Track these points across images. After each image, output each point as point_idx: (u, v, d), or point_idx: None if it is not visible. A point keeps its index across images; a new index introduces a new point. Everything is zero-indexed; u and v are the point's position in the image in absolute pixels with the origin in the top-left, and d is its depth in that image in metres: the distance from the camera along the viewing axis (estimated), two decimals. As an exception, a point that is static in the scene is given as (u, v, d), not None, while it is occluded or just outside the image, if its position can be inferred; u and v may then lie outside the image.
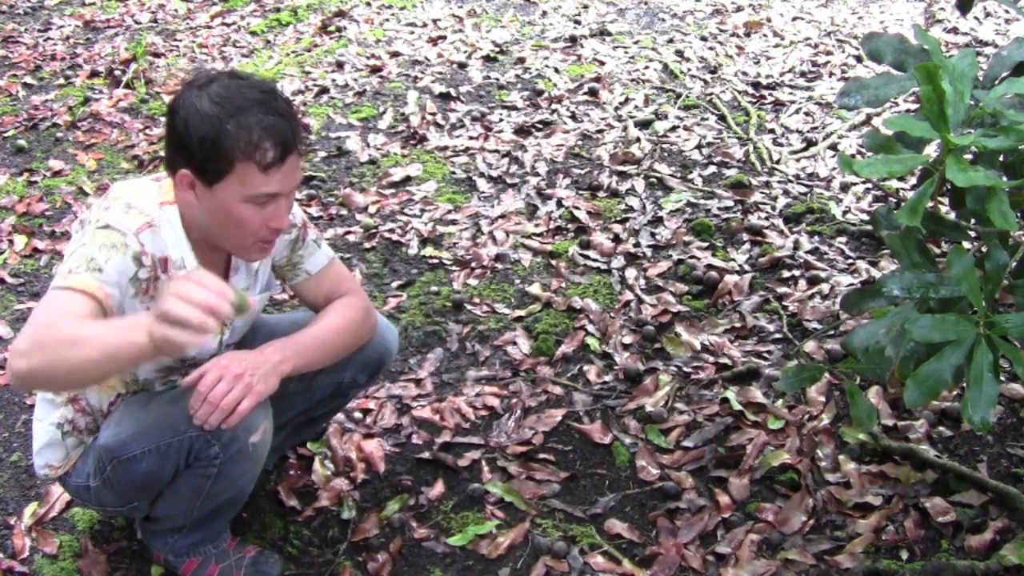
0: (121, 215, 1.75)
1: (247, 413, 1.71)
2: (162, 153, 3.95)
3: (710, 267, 3.11)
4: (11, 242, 3.45)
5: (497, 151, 3.91)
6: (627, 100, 4.29)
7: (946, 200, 1.91)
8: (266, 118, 1.68)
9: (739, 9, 5.35)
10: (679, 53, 4.77)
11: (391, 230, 3.42)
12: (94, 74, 4.78)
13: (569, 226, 3.41)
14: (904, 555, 2.10)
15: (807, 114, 4.14)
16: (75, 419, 1.94)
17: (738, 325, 2.85)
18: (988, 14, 5.10)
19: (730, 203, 3.47)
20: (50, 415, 1.95)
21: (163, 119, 4.27)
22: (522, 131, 4.06)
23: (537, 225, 3.41)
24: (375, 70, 4.68)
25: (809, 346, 2.74)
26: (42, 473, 2.00)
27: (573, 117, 4.17)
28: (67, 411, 1.94)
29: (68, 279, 1.65)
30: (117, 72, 4.73)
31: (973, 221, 1.74)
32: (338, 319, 2.01)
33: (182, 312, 1.40)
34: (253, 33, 5.27)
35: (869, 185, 3.54)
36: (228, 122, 1.66)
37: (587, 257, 3.22)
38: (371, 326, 2.10)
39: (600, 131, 4.04)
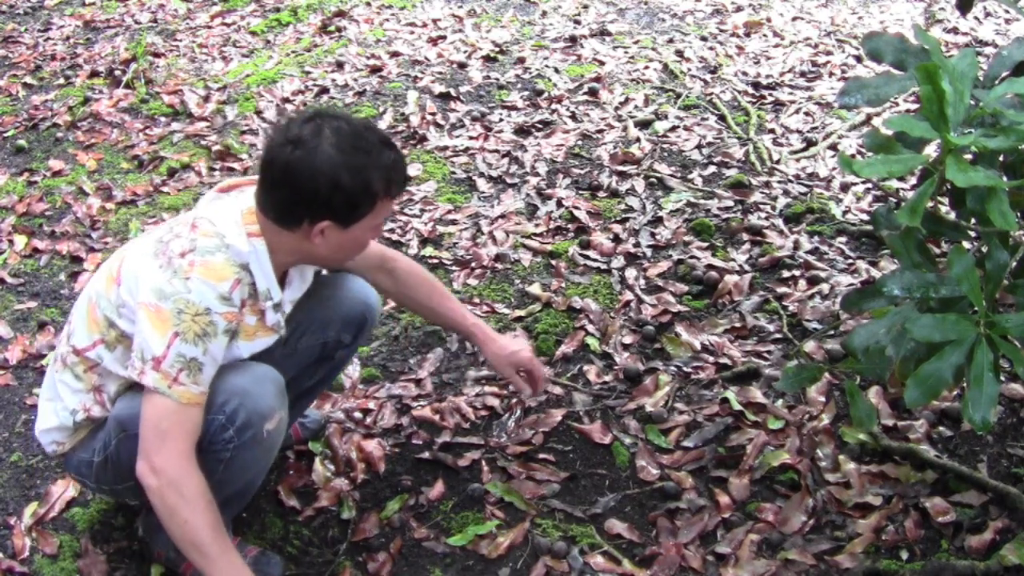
0: (210, 270, 1.79)
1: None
2: (162, 153, 3.96)
3: (710, 267, 3.11)
4: (11, 242, 3.45)
5: (497, 151, 3.91)
6: (627, 100, 4.29)
7: (946, 200, 1.91)
8: (391, 155, 1.83)
9: (739, 9, 5.35)
10: (679, 53, 4.77)
11: (391, 230, 3.42)
12: (94, 74, 4.78)
13: (569, 226, 3.41)
14: (904, 555, 2.10)
15: (807, 114, 4.14)
16: (92, 409, 1.97)
17: (738, 325, 2.85)
18: (988, 14, 5.10)
19: (730, 203, 3.47)
20: (67, 399, 1.98)
21: (163, 119, 4.28)
22: (522, 131, 4.06)
23: (537, 225, 3.41)
24: (375, 70, 4.68)
25: (809, 346, 2.74)
26: (49, 449, 2.04)
27: (573, 117, 4.17)
28: (87, 399, 1.97)
29: (176, 389, 1.77)
30: (117, 72, 4.73)
31: (973, 221, 1.74)
32: (424, 274, 2.31)
33: None
34: (253, 33, 5.27)
35: (869, 185, 3.54)
36: (372, 170, 1.79)
37: (587, 257, 3.22)
38: None
39: (600, 131, 4.04)
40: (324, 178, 1.75)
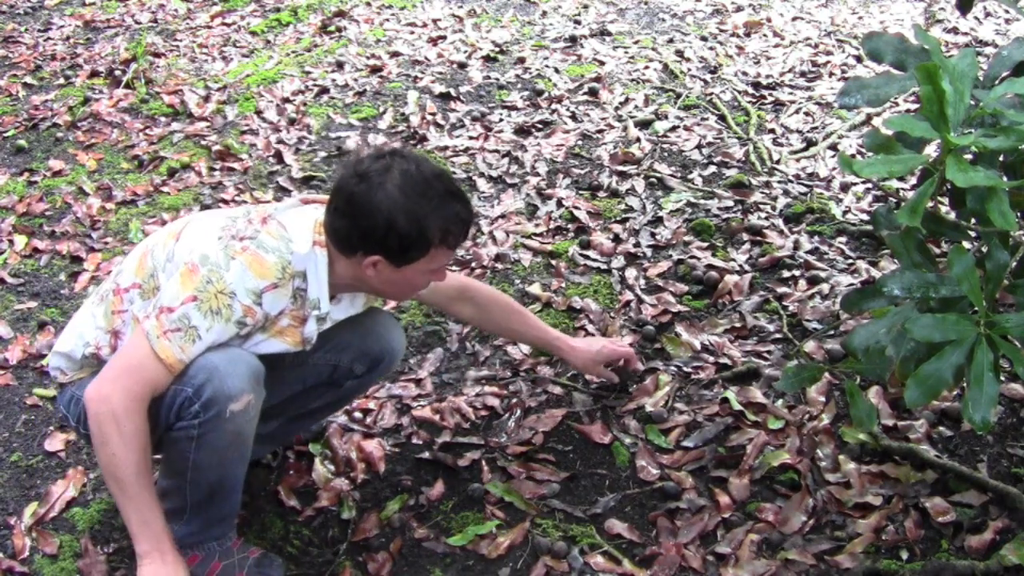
0: (256, 262, 1.83)
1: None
2: (162, 153, 3.96)
3: (710, 267, 3.11)
4: (11, 242, 3.45)
5: (497, 151, 3.91)
6: (627, 100, 4.29)
7: (946, 200, 1.91)
8: (455, 207, 1.87)
9: (739, 9, 5.35)
10: (679, 53, 4.78)
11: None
12: (94, 74, 4.78)
13: (569, 226, 3.41)
14: (904, 555, 2.10)
15: (807, 114, 4.14)
16: (102, 349, 2.00)
17: (738, 325, 2.85)
18: (988, 14, 5.10)
19: (730, 203, 3.47)
20: (87, 330, 2.02)
21: (163, 119, 4.28)
22: (522, 131, 4.06)
23: (537, 225, 3.41)
24: (375, 70, 4.68)
25: (809, 346, 2.74)
26: (52, 373, 2.09)
27: (573, 117, 4.17)
28: (103, 339, 2.00)
29: (161, 342, 1.81)
30: (117, 72, 4.73)
31: (973, 221, 1.74)
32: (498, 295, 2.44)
33: None
34: (253, 33, 5.27)
35: (869, 185, 3.54)
36: (431, 218, 1.83)
37: (587, 257, 3.22)
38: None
39: (600, 131, 4.04)
40: (381, 216, 1.81)
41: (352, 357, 2.22)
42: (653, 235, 3.32)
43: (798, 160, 3.76)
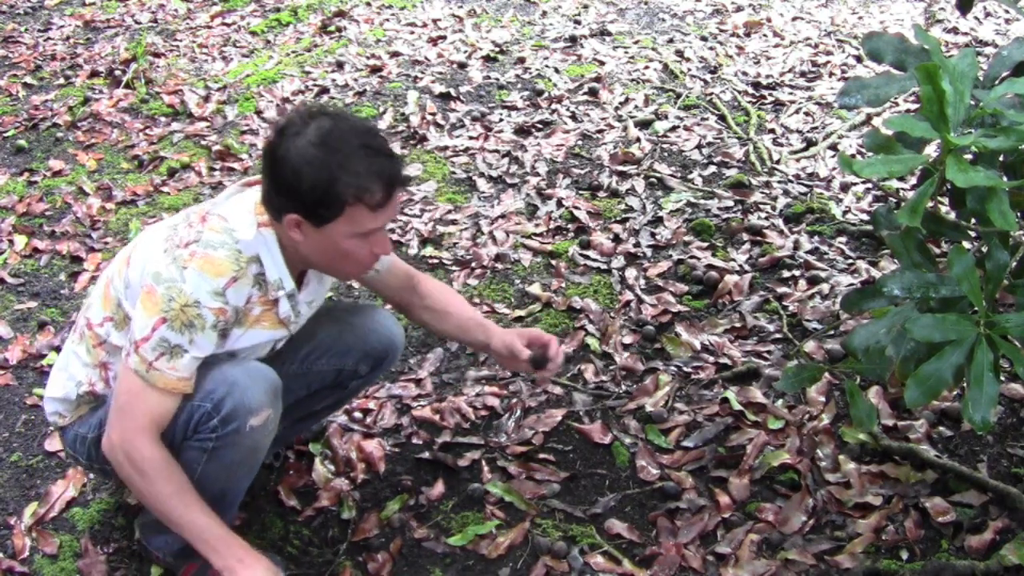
0: (208, 263, 1.79)
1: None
2: (162, 153, 3.96)
3: (710, 267, 3.11)
4: (11, 242, 3.45)
5: (497, 151, 3.91)
6: (627, 100, 4.29)
7: (946, 200, 1.91)
8: (373, 161, 1.75)
9: (739, 9, 5.35)
10: (679, 53, 4.77)
11: (391, 230, 3.42)
12: (94, 74, 4.78)
13: (569, 226, 3.41)
14: (904, 555, 2.10)
15: (807, 114, 4.14)
16: (96, 384, 1.99)
17: (738, 325, 2.85)
18: (988, 14, 5.10)
19: (730, 203, 3.47)
20: (75, 370, 2.00)
21: (163, 119, 4.28)
22: (522, 131, 4.06)
23: (537, 225, 3.41)
24: (375, 70, 4.68)
25: (809, 346, 2.74)
26: (51, 419, 2.07)
27: (573, 117, 4.17)
28: (94, 374, 1.98)
29: (152, 374, 1.79)
30: (117, 72, 4.73)
31: (973, 221, 1.74)
32: (448, 290, 2.30)
33: None
34: (253, 33, 5.27)
35: (869, 185, 3.54)
36: (338, 170, 1.73)
37: (587, 257, 3.22)
38: None
39: (600, 131, 4.04)
40: (290, 167, 1.74)
41: (356, 359, 2.21)
42: (653, 235, 3.32)
43: (798, 160, 3.76)
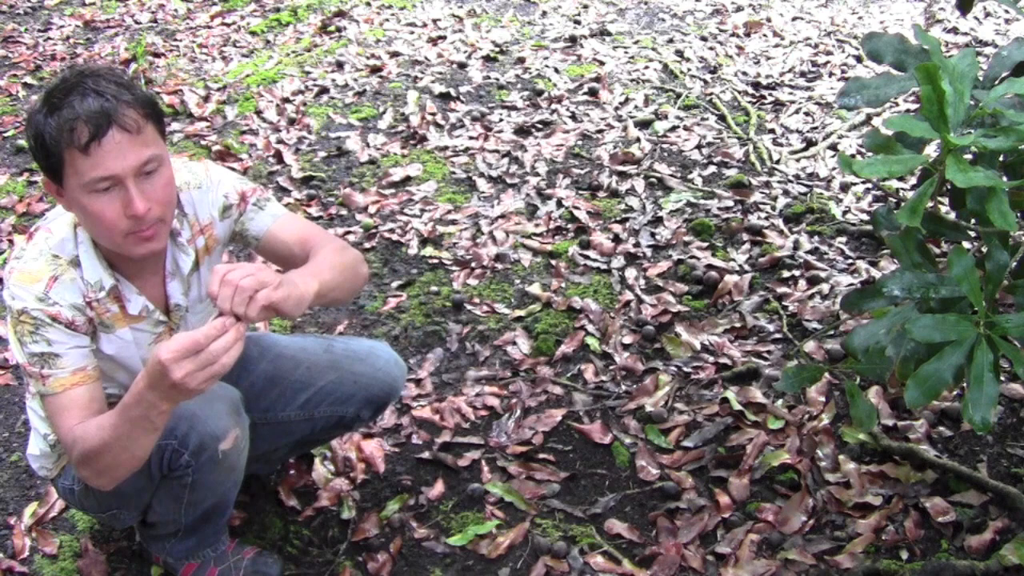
0: (23, 275, 1.75)
1: (266, 304, 1.56)
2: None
3: (710, 267, 3.11)
4: (11, 242, 3.45)
5: (497, 151, 3.91)
6: (627, 100, 4.29)
7: (946, 200, 1.91)
8: (81, 101, 1.62)
9: (739, 9, 5.35)
10: (679, 53, 4.77)
11: (391, 230, 3.42)
12: (94, 74, 4.78)
13: (569, 226, 3.41)
14: (904, 555, 2.10)
15: (807, 114, 4.14)
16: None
17: (738, 325, 2.85)
18: (988, 14, 5.10)
19: (730, 203, 3.47)
20: (36, 423, 1.96)
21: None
22: (522, 131, 4.06)
23: (537, 225, 3.41)
24: (375, 70, 4.68)
25: (809, 346, 2.74)
26: (40, 473, 2.04)
27: (573, 117, 4.17)
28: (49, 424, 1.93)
29: (46, 385, 1.74)
30: (117, 72, 4.73)
31: (973, 221, 1.74)
32: (329, 253, 1.86)
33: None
34: (253, 33, 5.27)
35: (869, 185, 3.54)
36: (49, 115, 1.64)
37: (587, 257, 3.22)
38: (365, 268, 1.96)
39: (600, 131, 4.04)
40: (27, 134, 1.72)
41: (358, 406, 2.16)
42: (653, 235, 3.32)
43: (798, 160, 3.76)
